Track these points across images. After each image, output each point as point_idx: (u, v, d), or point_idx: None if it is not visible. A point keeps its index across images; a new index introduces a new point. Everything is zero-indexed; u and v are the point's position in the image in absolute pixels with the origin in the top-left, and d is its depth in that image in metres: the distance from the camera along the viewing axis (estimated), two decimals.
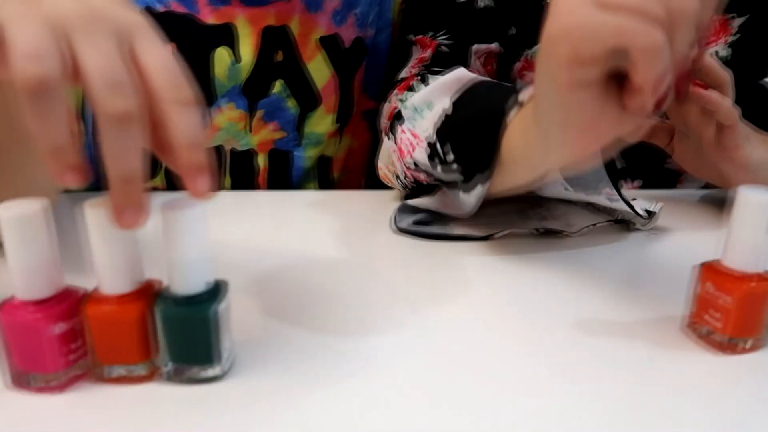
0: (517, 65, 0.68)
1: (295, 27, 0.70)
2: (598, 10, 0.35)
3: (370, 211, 0.64)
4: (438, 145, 0.53)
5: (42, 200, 0.34)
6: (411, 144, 0.56)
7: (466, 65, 0.66)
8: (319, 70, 0.72)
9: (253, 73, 0.69)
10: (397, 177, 0.61)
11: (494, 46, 0.67)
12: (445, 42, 0.67)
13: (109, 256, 0.35)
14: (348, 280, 0.49)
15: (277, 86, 0.70)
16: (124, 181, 0.31)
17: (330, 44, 0.72)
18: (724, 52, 0.66)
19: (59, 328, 0.35)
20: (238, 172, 0.72)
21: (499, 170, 0.49)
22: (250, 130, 0.70)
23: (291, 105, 0.71)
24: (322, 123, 0.74)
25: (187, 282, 0.35)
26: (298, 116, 0.72)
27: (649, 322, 0.43)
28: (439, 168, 0.53)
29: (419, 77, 0.64)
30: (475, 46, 0.66)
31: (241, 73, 0.68)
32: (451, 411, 0.34)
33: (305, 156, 0.74)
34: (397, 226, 0.58)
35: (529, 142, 0.44)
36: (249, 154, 0.72)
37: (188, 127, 0.32)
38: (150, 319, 0.36)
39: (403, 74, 0.68)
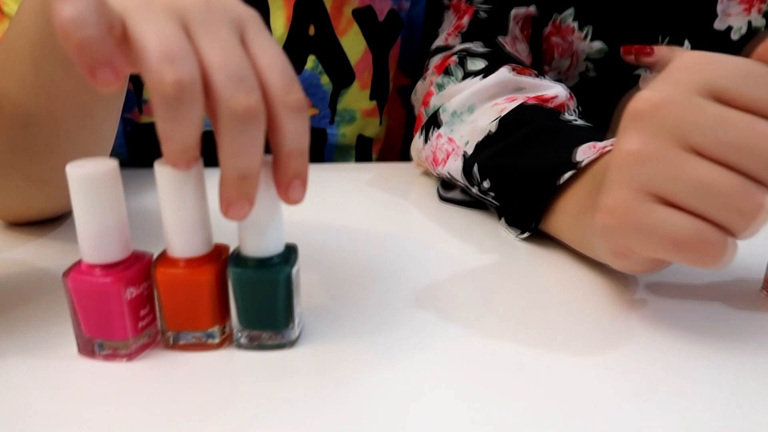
0: (546, 29, 0.67)
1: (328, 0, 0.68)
2: (655, 206, 0.33)
3: (408, 182, 0.63)
4: (476, 170, 0.51)
5: (112, 159, 0.33)
6: (447, 151, 0.55)
7: (504, 32, 0.64)
8: (353, 44, 0.70)
9: (286, 48, 0.67)
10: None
11: (532, 8, 0.66)
12: (484, 7, 0.65)
13: (181, 218, 0.33)
14: (400, 249, 0.48)
15: (310, 62, 0.69)
16: (240, 178, 0.30)
17: (364, 17, 0.70)
18: (758, 22, 0.65)
19: (130, 293, 0.33)
20: (267, 149, 0.70)
21: (543, 224, 0.47)
22: None
23: (325, 81, 0.70)
24: (356, 100, 0.72)
25: (261, 245, 0.34)
26: (331, 93, 0.71)
27: (726, 284, 0.42)
28: (475, 189, 0.52)
29: (457, 59, 0.62)
30: (514, 11, 0.65)
31: None
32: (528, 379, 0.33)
33: (339, 133, 0.73)
34: (441, 196, 0.57)
35: (579, 229, 0.43)
36: None
37: (299, 135, 0.31)
38: (222, 283, 0.35)
39: (439, 42, 0.66)
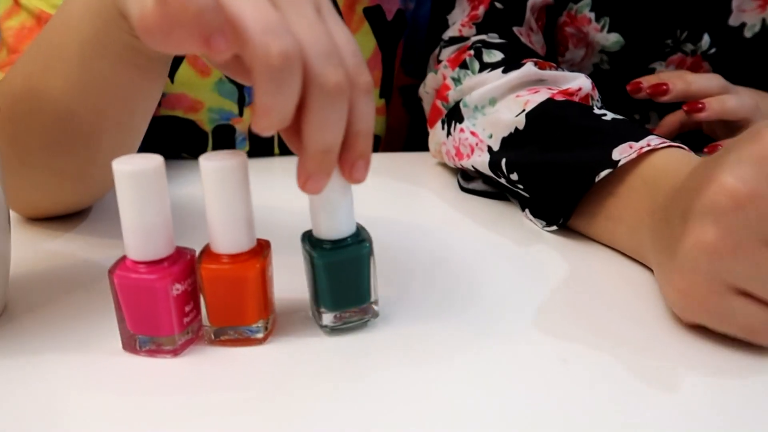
0: (561, 19, 0.67)
1: None
2: (732, 297, 0.33)
3: (423, 172, 0.63)
4: (504, 164, 0.51)
5: (156, 155, 0.33)
6: (471, 146, 0.55)
7: (521, 23, 0.64)
8: (365, 42, 0.70)
9: None
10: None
11: None
12: None
13: (226, 214, 0.33)
14: (432, 240, 0.48)
15: None
16: (324, 152, 0.31)
17: (374, 15, 0.70)
18: None
19: (176, 289, 0.33)
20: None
21: (579, 224, 0.48)
22: None
23: None
24: None
25: (337, 227, 0.35)
26: None
27: None
28: (503, 179, 0.52)
29: (473, 51, 0.61)
30: (531, 1, 0.64)
31: None
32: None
33: None
34: (462, 187, 0.57)
35: (639, 243, 0.43)
36: None
37: (369, 116, 0.32)
38: (265, 278, 0.35)
39: (452, 32, 0.65)
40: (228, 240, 0.34)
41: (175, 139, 0.65)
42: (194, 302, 0.35)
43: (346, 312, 0.36)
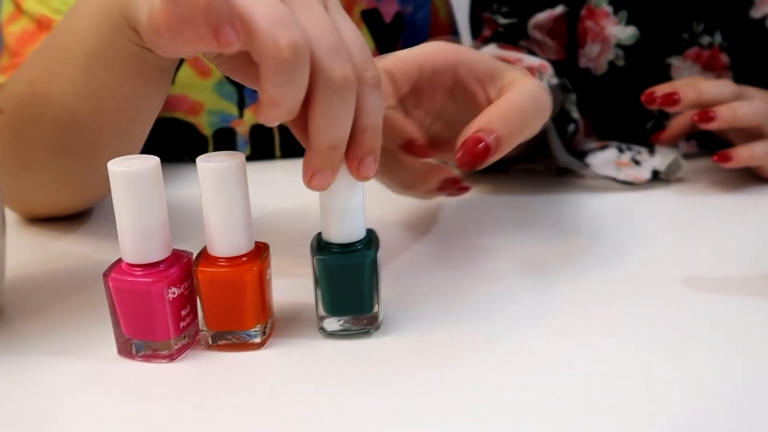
0: (581, 12, 0.65)
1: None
2: None
3: None
4: None
5: (152, 156, 0.32)
6: None
7: (525, 37, 0.66)
8: None
9: None
10: None
11: (559, 9, 0.65)
12: (503, 22, 0.66)
13: (224, 215, 0.33)
14: (441, 241, 0.48)
15: None
16: (330, 148, 0.31)
17: (371, 18, 0.70)
18: None
19: (172, 293, 0.33)
20: (289, 147, 0.70)
21: None
22: None
23: None
24: None
25: (347, 231, 0.34)
26: None
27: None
28: None
29: None
30: (533, 20, 0.65)
31: None
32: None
33: None
34: None
35: None
36: None
37: (375, 110, 0.32)
38: (263, 282, 0.34)
39: None
40: (225, 242, 0.33)
41: (176, 142, 0.65)
42: (191, 306, 0.34)
43: (345, 319, 0.35)
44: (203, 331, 0.35)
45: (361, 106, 0.31)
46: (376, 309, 0.35)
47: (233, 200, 0.33)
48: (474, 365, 0.34)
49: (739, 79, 0.60)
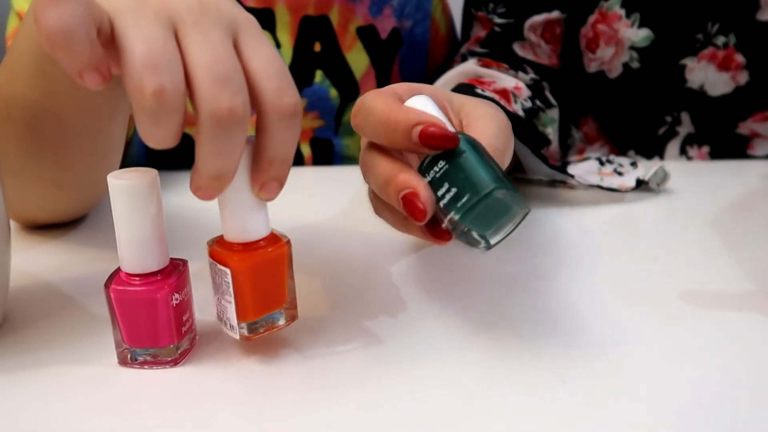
0: (592, 17, 0.66)
1: (334, 17, 0.70)
2: None
3: None
4: None
5: (151, 169, 0.34)
6: None
7: (521, 38, 0.68)
8: (358, 60, 0.72)
9: (293, 63, 0.69)
10: None
11: (555, 14, 0.67)
12: (499, 21, 0.68)
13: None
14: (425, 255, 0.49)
15: (318, 76, 0.70)
16: (213, 178, 0.30)
17: (367, 35, 0.72)
18: None
19: (175, 299, 0.34)
20: None
21: None
22: None
23: (333, 95, 0.71)
24: None
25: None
26: (338, 106, 0.72)
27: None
28: None
29: (461, 57, 0.65)
30: (530, 21, 0.67)
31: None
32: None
33: (343, 144, 0.74)
34: None
35: None
36: None
37: (285, 143, 0.30)
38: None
39: (462, 50, 0.71)
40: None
41: (177, 152, 0.65)
42: (190, 311, 0.36)
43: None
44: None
45: (269, 137, 0.30)
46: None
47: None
48: (466, 381, 0.34)
49: (755, 79, 0.61)
